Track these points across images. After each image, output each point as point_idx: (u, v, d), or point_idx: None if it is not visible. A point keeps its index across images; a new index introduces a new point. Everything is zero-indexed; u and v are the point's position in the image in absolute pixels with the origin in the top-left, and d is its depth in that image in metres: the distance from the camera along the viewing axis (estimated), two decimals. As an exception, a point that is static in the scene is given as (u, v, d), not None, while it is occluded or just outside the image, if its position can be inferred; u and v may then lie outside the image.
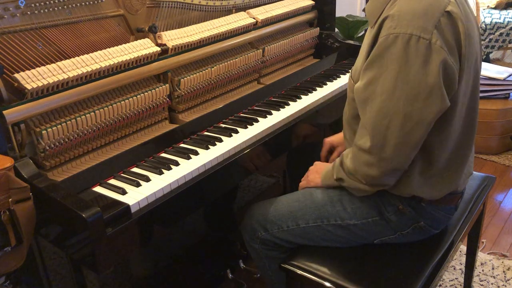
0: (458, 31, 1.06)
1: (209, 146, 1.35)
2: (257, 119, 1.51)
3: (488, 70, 3.05)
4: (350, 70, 1.25)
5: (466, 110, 1.18)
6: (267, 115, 1.54)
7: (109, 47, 1.35)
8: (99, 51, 1.32)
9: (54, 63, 1.23)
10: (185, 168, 1.24)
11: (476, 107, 1.22)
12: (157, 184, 1.17)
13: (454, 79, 1.07)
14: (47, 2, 1.24)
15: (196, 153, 1.31)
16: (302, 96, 1.70)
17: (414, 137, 1.09)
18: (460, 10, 1.08)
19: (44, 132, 1.17)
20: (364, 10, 1.22)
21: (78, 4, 1.32)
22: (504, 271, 2.00)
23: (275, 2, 1.96)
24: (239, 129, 1.45)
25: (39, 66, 1.20)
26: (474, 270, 1.77)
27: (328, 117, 1.75)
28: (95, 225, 0.97)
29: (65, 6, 1.29)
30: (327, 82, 1.82)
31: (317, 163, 1.46)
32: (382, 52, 1.06)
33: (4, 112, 1.10)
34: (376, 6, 1.13)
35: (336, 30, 2.25)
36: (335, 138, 1.56)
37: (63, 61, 1.24)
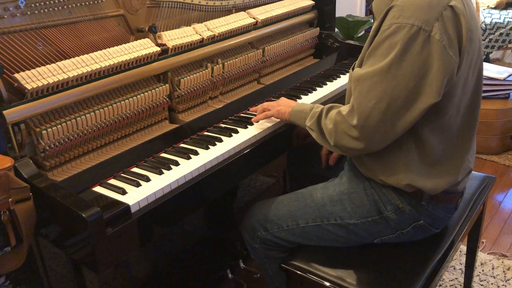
0: (460, 25, 1.08)
1: (209, 146, 1.35)
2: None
3: (488, 70, 3.05)
4: (350, 69, 1.26)
5: (467, 104, 1.19)
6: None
7: (109, 47, 1.35)
8: (99, 51, 1.32)
9: (54, 63, 1.23)
10: (185, 168, 1.24)
11: (478, 102, 1.23)
12: (157, 184, 1.17)
13: (452, 73, 1.09)
14: (47, 2, 1.24)
15: (196, 153, 1.31)
16: (302, 96, 1.70)
17: (395, 126, 1.11)
18: (464, 5, 1.10)
19: (44, 132, 1.17)
20: (370, 7, 1.23)
21: (78, 4, 1.32)
22: (504, 271, 2.00)
23: (275, 2, 1.97)
24: (239, 129, 1.45)
25: (39, 66, 1.20)
26: (474, 270, 1.77)
27: (328, 117, 1.75)
28: (95, 225, 0.97)
29: (65, 6, 1.29)
30: (327, 82, 1.82)
31: (285, 98, 1.50)
32: (384, 40, 1.09)
33: (4, 112, 1.10)
34: (383, 2, 1.15)
35: (336, 30, 2.26)
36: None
37: (63, 61, 1.24)
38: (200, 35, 1.58)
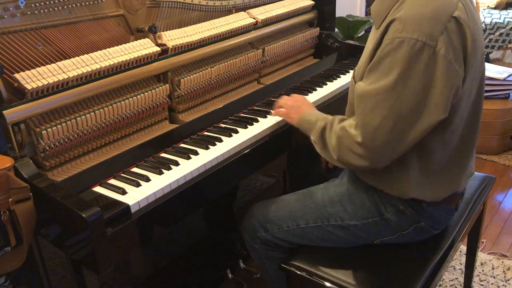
0: (464, 36, 1.05)
1: (209, 146, 1.35)
2: (257, 119, 1.51)
3: (488, 70, 3.05)
4: (351, 71, 1.25)
5: (469, 113, 1.18)
6: (267, 115, 1.54)
7: (109, 47, 1.35)
8: (99, 51, 1.32)
9: (54, 63, 1.23)
10: (185, 168, 1.24)
11: (479, 110, 1.21)
12: (157, 184, 1.17)
13: (458, 86, 1.07)
14: (47, 2, 1.24)
15: (196, 153, 1.31)
16: (302, 96, 1.70)
17: (402, 143, 1.09)
18: (467, 15, 1.07)
19: (44, 132, 1.17)
20: (369, 10, 1.22)
21: (78, 4, 1.32)
22: (504, 271, 2.00)
23: (275, 2, 1.97)
24: (239, 129, 1.45)
25: (39, 66, 1.20)
26: (474, 270, 1.77)
27: (328, 117, 1.75)
28: (95, 225, 0.97)
29: (65, 6, 1.29)
30: (327, 82, 1.82)
31: (304, 99, 1.48)
32: (387, 55, 1.06)
33: (4, 112, 1.10)
34: (382, 7, 1.13)
35: (336, 30, 2.26)
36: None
37: (63, 61, 1.24)
38: (200, 35, 1.58)
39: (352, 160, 1.15)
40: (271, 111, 1.51)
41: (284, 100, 1.48)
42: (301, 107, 1.41)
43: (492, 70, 3.06)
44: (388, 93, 1.06)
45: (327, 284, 1.23)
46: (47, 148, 1.19)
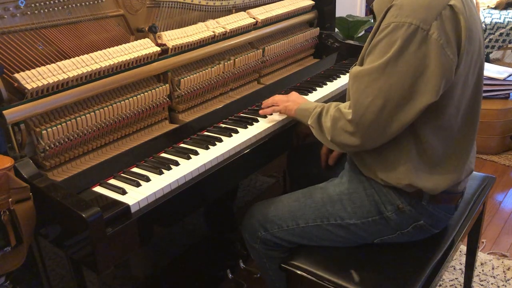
0: (459, 25, 1.08)
1: (209, 146, 1.35)
2: (257, 119, 1.51)
3: (488, 70, 3.05)
4: (350, 69, 1.27)
5: (467, 103, 1.19)
6: (267, 115, 1.53)
7: (109, 47, 1.35)
8: (99, 51, 1.32)
9: (54, 63, 1.23)
10: (185, 168, 1.24)
11: (478, 101, 1.23)
12: (157, 184, 1.17)
13: (450, 72, 1.09)
14: (47, 2, 1.24)
15: (196, 153, 1.31)
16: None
17: (391, 123, 1.12)
18: (463, 4, 1.10)
19: (44, 132, 1.17)
20: (371, 6, 1.24)
21: (78, 4, 1.32)
22: (504, 271, 2.00)
23: (275, 2, 1.97)
24: (239, 129, 1.45)
25: (39, 66, 1.20)
26: (474, 270, 1.77)
27: (328, 117, 1.75)
28: (95, 225, 0.97)
29: (65, 6, 1.29)
30: (327, 82, 1.82)
31: (298, 94, 1.53)
32: (382, 39, 1.09)
33: (4, 112, 1.10)
34: (383, 2, 1.15)
35: (336, 30, 2.26)
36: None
37: (63, 61, 1.24)
38: (200, 35, 1.59)
39: (344, 139, 1.19)
40: (261, 109, 1.53)
41: (278, 97, 1.52)
42: (298, 99, 1.47)
43: (492, 70, 3.06)
44: (379, 73, 1.09)
45: (327, 284, 1.23)
46: (47, 148, 1.19)
